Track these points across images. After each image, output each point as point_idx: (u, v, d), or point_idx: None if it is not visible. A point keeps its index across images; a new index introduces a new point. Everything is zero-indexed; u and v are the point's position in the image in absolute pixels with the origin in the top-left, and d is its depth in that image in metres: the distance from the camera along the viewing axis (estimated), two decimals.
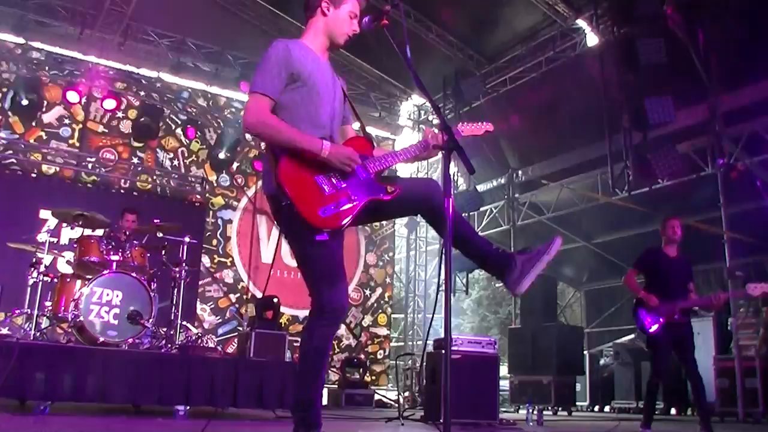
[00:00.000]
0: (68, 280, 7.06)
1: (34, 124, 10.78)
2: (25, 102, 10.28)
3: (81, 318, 6.66)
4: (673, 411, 11.15)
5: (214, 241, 12.03)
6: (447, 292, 2.89)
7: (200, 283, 11.42)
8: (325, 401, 10.85)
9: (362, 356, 12.53)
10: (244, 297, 11.99)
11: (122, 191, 11.31)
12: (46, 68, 10.85)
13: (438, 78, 13.27)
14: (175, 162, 11.96)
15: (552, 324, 12.39)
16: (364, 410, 9.87)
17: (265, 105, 3.03)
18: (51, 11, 10.87)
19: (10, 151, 10.64)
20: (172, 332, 7.61)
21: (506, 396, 12.26)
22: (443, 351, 7.01)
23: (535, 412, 8.16)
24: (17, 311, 7.32)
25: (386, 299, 13.98)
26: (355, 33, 3.34)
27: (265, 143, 3.10)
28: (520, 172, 14.30)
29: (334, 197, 2.98)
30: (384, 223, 14.15)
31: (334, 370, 12.55)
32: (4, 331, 6.91)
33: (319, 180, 2.99)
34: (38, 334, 6.89)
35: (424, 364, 7.90)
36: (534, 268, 3.18)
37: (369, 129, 12.01)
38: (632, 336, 12.48)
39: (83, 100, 11.01)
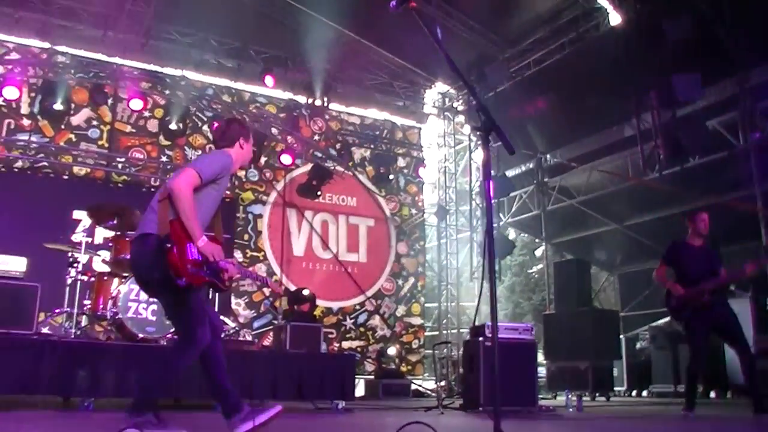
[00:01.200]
0: (105, 278, 7.21)
1: (63, 126, 11.04)
2: (54, 106, 10.45)
3: (120, 315, 6.84)
4: (712, 395, 11.08)
5: (246, 236, 12.20)
6: (492, 283, 2.94)
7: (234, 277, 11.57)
8: (362, 392, 10.97)
9: (397, 346, 12.61)
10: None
11: (153, 189, 11.49)
12: (72, 71, 11.04)
13: (461, 65, 13.21)
14: None
15: (587, 309, 12.37)
16: (402, 400, 9.95)
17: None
18: (74, 14, 11.05)
19: (42, 155, 10.90)
20: None
21: (542, 382, 12.28)
22: (480, 338, 7.12)
23: (574, 398, 8.18)
24: (57, 311, 7.47)
25: (419, 288, 14.06)
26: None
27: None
28: (548, 156, 14.28)
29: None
30: (413, 212, 14.22)
31: (370, 360, 12.67)
32: (46, 330, 7.07)
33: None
34: (78, 332, 7.08)
35: (461, 352, 7.96)
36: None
37: (394, 119, 12.00)
38: (668, 319, 12.40)
39: (110, 101, 11.20)
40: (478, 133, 3.18)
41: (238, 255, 11.88)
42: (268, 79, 11.93)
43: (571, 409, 7.89)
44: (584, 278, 13.17)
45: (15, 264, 6.90)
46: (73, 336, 6.91)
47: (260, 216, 12.48)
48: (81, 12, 11.05)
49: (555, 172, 14.14)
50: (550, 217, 14.23)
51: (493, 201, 12.07)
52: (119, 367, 6.11)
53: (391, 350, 12.05)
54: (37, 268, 7.20)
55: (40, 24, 10.81)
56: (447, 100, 15.11)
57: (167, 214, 3.84)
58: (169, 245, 3.76)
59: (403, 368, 12.76)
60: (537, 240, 18.42)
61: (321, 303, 11.84)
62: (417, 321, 13.88)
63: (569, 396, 8.35)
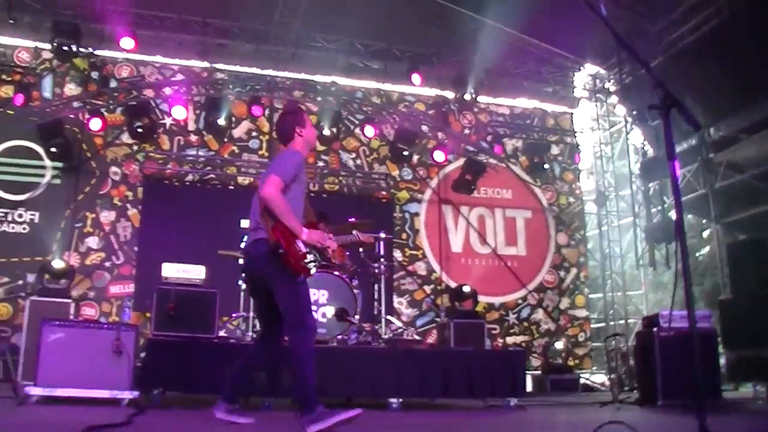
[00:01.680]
0: None
1: (226, 140, 11.69)
2: (218, 121, 11.09)
3: None
4: None
5: (404, 235, 12.37)
6: (685, 271, 2.81)
7: (394, 276, 11.79)
8: (529, 388, 10.81)
9: (564, 339, 12.34)
10: (438, 287, 12.23)
11: (312, 194, 11.88)
12: (231, 87, 11.63)
13: (609, 42, 12.74)
14: (358, 161, 12.44)
15: None
16: (572, 395, 9.73)
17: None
18: (228, 33, 11.67)
19: (209, 167, 11.60)
20: (377, 326, 7.93)
21: (723, 373, 11.57)
22: (655, 329, 6.82)
23: (762, 389, 7.68)
24: (234, 315, 7.89)
25: (582, 279, 13.69)
26: None
27: None
28: (711, 130, 13.44)
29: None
30: (571, 200, 13.87)
31: (536, 355, 12.49)
32: (222, 333, 7.47)
33: None
34: (254, 335, 7.41)
35: (630, 344, 7.69)
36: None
37: (544, 106, 11.71)
38: None
39: (266, 111, 11.72)
40: (656, 111, 3.04)
41: (397, 254, 12.06)
42: (415, 77, 12.02)
43: (760, 402, 7.41)
44: (762, 259, 12.27)
45: (195, 272, 7.35)
46: (249, 339, 7.26)
47: (417, 214, 12.61)
48: (234, 30, 11.65)
49: (721, 146, 13.26)
50: (718, 196, 13.39)
51: (652, 183, 11.47)
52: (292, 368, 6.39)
53: (559, 344, 11.83)
54: (213, 275, 7.65)
55: (200, 45, 11.49)
56: (598, 81, 14.60)
57: (269, 222, 4.37)
58: (282, 251, 4.30)
59: (570, 362, 12.47)
60: (704, 221, 17.39)
61: (482, 299, 11.77)
62: (582, 313, 13.51)
63: (756, 388, 7.84)
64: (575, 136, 14.42)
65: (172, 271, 7.36)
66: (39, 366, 5.98)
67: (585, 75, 14.55)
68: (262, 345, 4.78)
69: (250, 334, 7.46)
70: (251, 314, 7.49)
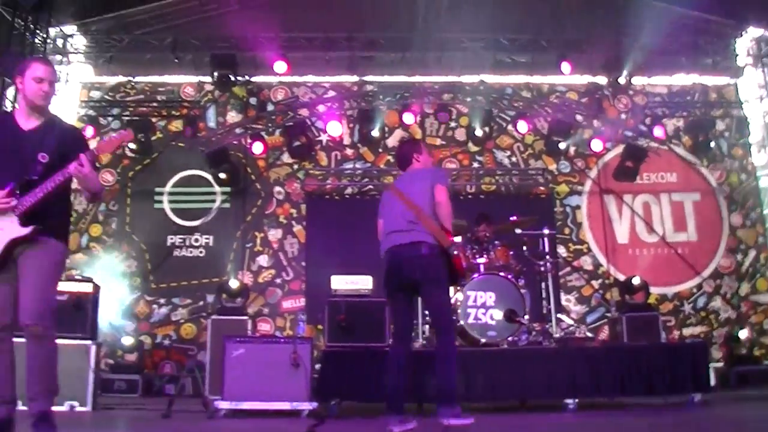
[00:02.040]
0: None
1: (380, 150, 11.96)
2: (372, 132, 11.40)
3: (461, 322, 7.21)
4: None
5: (566, 230, 12.12)
6: None
7: (560, 273, 11.60)
8: (711, 382, 10.28)
9: (748, 328, 11.65)
10: (606, 281, 11.90)
11: (470, 196, 11.98)
12: (381, 97, 11.90)
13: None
14: (513, 158, 12.34)
15: None
16: (760, 389, 9.13)
17: None
18: (374, 44, 11.88)
19: (367, 179, 11.92)
20: (547, 326, 7.86)
21: None
22: None
23: None
24: None
25: (762, 261, 12.84)
26: None
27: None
28: None
29: None
30: (743, 177, 13.05)
31: (716, 347, 11.87)
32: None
33: None
34: (424, 342, 7.56)
35: None
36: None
37: (704, 79, 10.93)
38: None
39: (418, 118, 11.88)
40: None
41: (561, 250, 11.84)
42: (565, 66, 11.73)
43: None
44: None
45: (363, 282, 7.61)
46: (420, 346, 7.42)
47: (578, 207, 12.32)
48: (380, 41, 11.85)
49: None
50: None
51: None
52: (468, 372, 6.46)
53: (743, 333, 11.18)
54: (380, 283, 7.86)
55: (348, 60, 11.83)
56: (763, 45, 13.62)
57: (437, 226, 4.72)
58: (456, 252, 4.71)
59: (756, 352, 11.73)
60: None
61: (654, 290, 11.30)
62: (765, 298, 12.66)
63: None
64: (742, 108, 13.56)
65: (340, 283, 7.67)
66: (225, 381, 6.43)
67: (748, 40, 13.59)
68: (406, 345, 4.97)
69: (420, 340, 7.62)
70: (420, 321, 7.65)
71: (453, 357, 4.64)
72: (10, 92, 10.36)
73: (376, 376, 6.25)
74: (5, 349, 3.89)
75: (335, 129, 11.46)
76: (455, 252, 4.69)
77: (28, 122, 4.04)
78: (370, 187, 11.94)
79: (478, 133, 11.74)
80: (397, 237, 4.85)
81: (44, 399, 3.87)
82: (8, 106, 10.25)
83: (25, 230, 3.82)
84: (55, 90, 4.13)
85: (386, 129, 11.93)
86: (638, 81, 12.68)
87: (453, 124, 12.22)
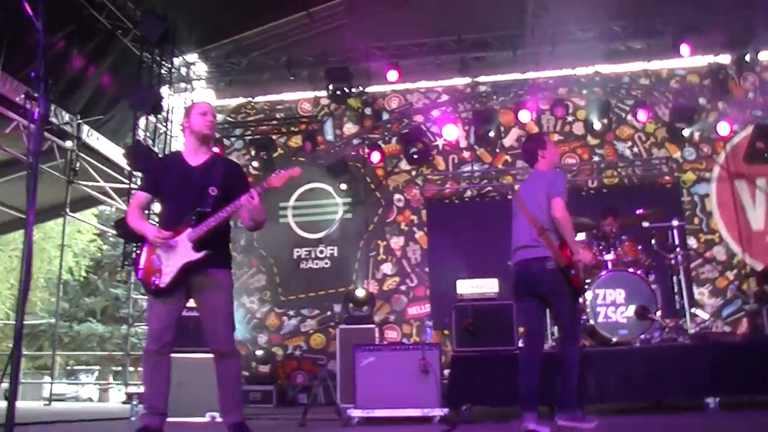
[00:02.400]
0: None
1: (498, 150, 11.95)
2: (488, 133, 11.44)
3: (591, 321, 7.14)
4: None
5: (696, 220, 11.68)
6: None
7: (691, 266, 11.20)
8: None
9: None
10: (743, 272, 11.39)
11: (592, 191, 11.77)
12: (494, 97, 11.92)
13: None
14: (635, 149, 12.04)
15: None
16: None
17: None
18: (484, 44, 11.88)
19: (485, 180, 11.94)
20: (681, 321, 7.66)
21: None
22: None
23: None
24: None
25: None
26: None
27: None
28: None
29: None
30: None
31: None
32: (521, 344, 7.63)
33: None
34: (554, 344, 7.49)
35: None
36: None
37: None
38: None
39: (533, 115, 11.80)
40: None
41: (691, 241, 11.43)
42: (684, 48, 11.28)
43: None
44: None
45: (489, 286, 7.66)
46: (549, 347, 7.35)
47: (706, 195, 11.83)
48: (490, 40, 11.84)
49: None
50: None
51: None
52: (598, 372, 6.38)
53: None
54: (505, 285, 7.89)
55: (459, 62, 11.88)
56: None
57: (556, 244, 4.81)
58: (573, 272, 4.81)
59: None
60: None
61: None
62: None
63: None
64: None
65: (466, 287, 7.74)
66: (357, 389, 6.62)
67: None
68: (537, 347, 5.03)
69: (550, 341, 7.58)
70: (548, 321, 7.59)
71: (574, 366, 4.79)
72: (142, 122, 11.13)
73: (507, 380, 6.26)
74: (165, 364, 4.31)
75: (451, 132, 11.54)
76: (572, 272, 4.78)
77: (195, 159, 4.49)
78: (489, 188, 11.95)
79: (597, 125, 11.54)
80: (523, 252, 4.98)
81: (238, 410, 4.33)
82: (140, 135, 10.99)
83: (198, 255, 4.24)
84: (215, 121, 4.62)
85: (502, 128, 11.91)
86: (766, 56, 12.10)
87: (570, 119, 12.03)
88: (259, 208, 4.30)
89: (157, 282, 4.26)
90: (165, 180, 4.46)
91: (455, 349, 7.34)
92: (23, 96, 9.42)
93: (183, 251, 4.26)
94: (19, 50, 9.00)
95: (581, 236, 7.49)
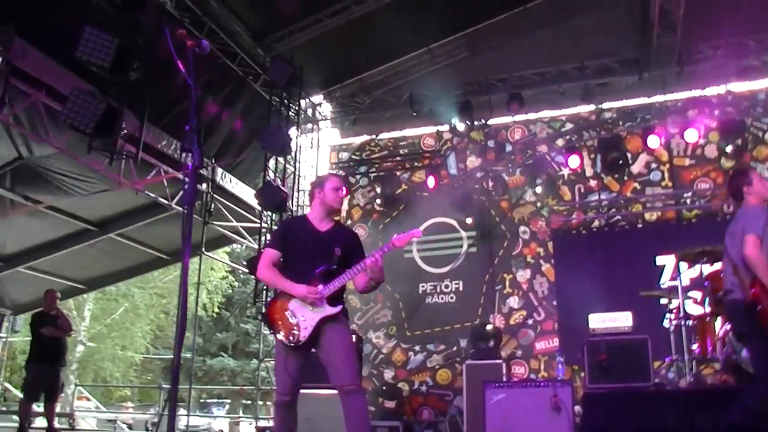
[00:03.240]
0: (707, 319, 7.33)
1: (626, 178, 11.73)
2: (614, 161, 11.31)
3: (734, 356, 6.87)
4: None
5: None
6: None
7: None
8: None
9: None
10: None
11: (727, 217, 11.35)
12: (621, 123, 11.79)
13: None
14: None
15: None
16: None
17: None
18: (607, 70, 11.70)
19: (614, 209, 11.76)
20: None
21: None
22: None
23: None
24: (668, 359, 7.79)
25: None
26: None
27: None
28: None
29: None
30: None
31: None
32: (656, 380, 7.47)
33: None
34: (691, 378, 7.31)
35: None
36: None
37: None
38: None
39: (662, 140, 11.56)
40: None
41: None
42: None
43: None
44: None
45: (622, 319, 7.58)
46: (686, 383, 7.21)
47: None
48: (613, 65, 11.69)
49: None
50: None
51: None
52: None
53: None
54: (638, 318, 7.78)
55: (582, 89, 11.76)
56: None
57: (747, 279, 4.79)
58: (759, 307, 4.67)
59: None
60: None
61: None
62: None
63: None
64: None
65: (598, 321, 7.69)
66: (486, 426, 6.71)
67: None
68: None
69: (687, 377, 7.38)
70: (686, 356, 7.41)
71: (756, 409, 4.69)
72: (272, 163, 11.75)
73: (643, 417, 6.21)
74: (294, 410, 4.75)
75: (576, 161, 11.48)
76: (758, 307, 4.75)
77: (322, 224, 4.98)
78: (618, 217, 11.73)
79: (730, 147, 11.18)
80: (725, 298, 5.15)
81: None
82: (271, 175, 11.60)
83: (335, 309, 4.72)
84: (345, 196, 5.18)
85: (629, 155, 11.68)
86: None
87: (701, 141, 11.67)
88: (381, 269, 4.71)
89: (297, 337, 4.66)
90: (293, 240, 4.94)
91: (588, 385, 7.27)
92: (174, 147, 10.25)
93: (317, 306, 4.67)
94: (163, 100, 9.73)
95: None
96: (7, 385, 16.64)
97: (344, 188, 5.14)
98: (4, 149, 9.61)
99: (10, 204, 11.08)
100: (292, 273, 4.80)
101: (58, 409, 10.04)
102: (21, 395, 10.21)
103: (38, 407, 9.43)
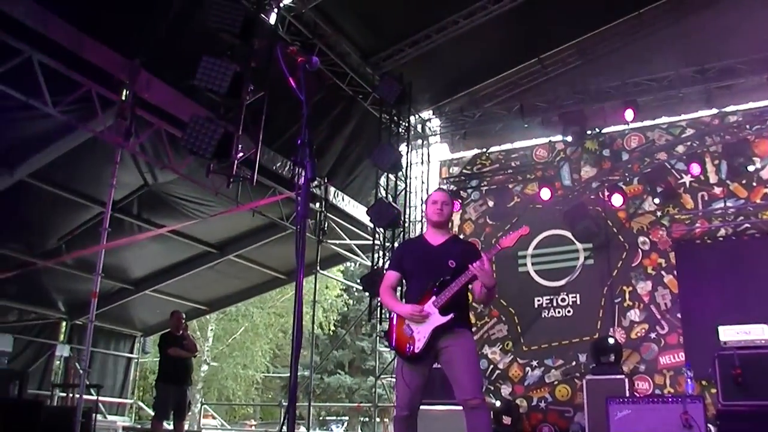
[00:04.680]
0: None
1: (755, 183, 11.11)
2: (742, 166, 10.76)
3: None
4: None
5: None
6: None
7: None
8: None
9: None
10: None
11: None
12: (747, 126, 11.20)
13: None
14: None
15: None
16: None
17: None
18: (730, 72, 11.18)
19: (741, 217, 11.14)
20: None
21: None
22: None
23: None
24: None
25: None
26: None
27: None
28: None
29: None
30: None
31: None
32: None
33: None
34: None
35: None
36: None
37: None
38: None
39: None
40: None
41: None
42: None
43: None
44: None
45: (757, 332, 7.31)
46: None
47: None
48: (737, 66, 11.15)
49: None
50: None
51: None
52: None
53: None
54: None
55: (703, 93, 11.38)
56: None
57: None
58: None
59: None
60: None
61: None
62: None
63: None
64: None
65: (730, 334, 7.33)
66: None
67: None
68: None
69: None
70: None
71: None
72: (383, 180, 11.87)
73: None
74: (414, 425, 4.77)
75: (698, 168, 11.00)
76: None
77: (435, 239, 5.09)
78: (747, 225, 11.05)
79: None
80: None
81: None
82: (382, 192, 11.72)
83: (446, 319, 4.69)
84: (447, 209, 5.13)
85: (758, 160, 11.08)
86: None
87: None
88: (489, 273, 4.68)
89: (412, 349, 4.72)
90: (409, 258, 5.09)
91: (722, 402, 6.92)
92: (288, 168, 10.58)
93: (431, 318, 4.70)
94: (276, 123, 10.00)
95: None
96: (140, 404, 17.37)
97: (447, 201, 5.16)
98: (132, 178, 10.16)
99: (137, 230, 11.65)
100: (411, 289, 4.98)
101: (186, 427, 10.38)
102: (152, 414, 10.61)
103: (168, 425, 9.74)
